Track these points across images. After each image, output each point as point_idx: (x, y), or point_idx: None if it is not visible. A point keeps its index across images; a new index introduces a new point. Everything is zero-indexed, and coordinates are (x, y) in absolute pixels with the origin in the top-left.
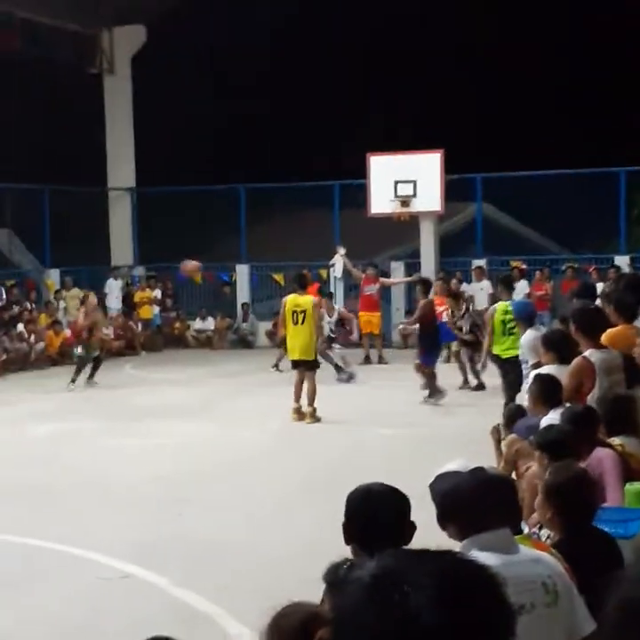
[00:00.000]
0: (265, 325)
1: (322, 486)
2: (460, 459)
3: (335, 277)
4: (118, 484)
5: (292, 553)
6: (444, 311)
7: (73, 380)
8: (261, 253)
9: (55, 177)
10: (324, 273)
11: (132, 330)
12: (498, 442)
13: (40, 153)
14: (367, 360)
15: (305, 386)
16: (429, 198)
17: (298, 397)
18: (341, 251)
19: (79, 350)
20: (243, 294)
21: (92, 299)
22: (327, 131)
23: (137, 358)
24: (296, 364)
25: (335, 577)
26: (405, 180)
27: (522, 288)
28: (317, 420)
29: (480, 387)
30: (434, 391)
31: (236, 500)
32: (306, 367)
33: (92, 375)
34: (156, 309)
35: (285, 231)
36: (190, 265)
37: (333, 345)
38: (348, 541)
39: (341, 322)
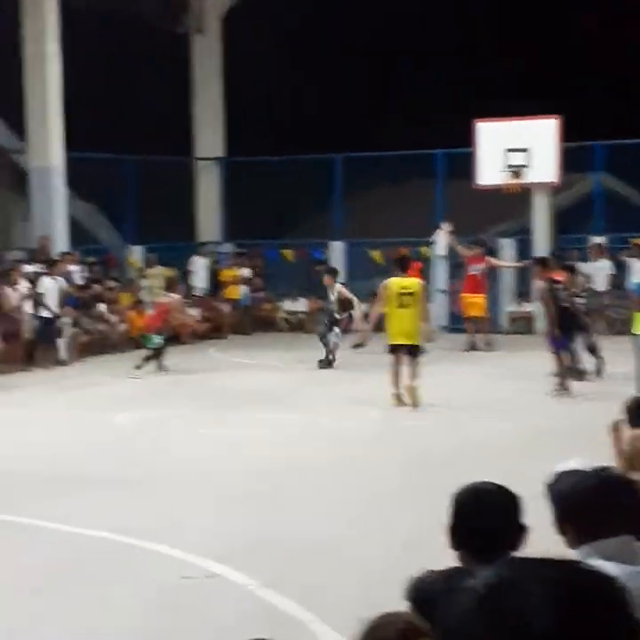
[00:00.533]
0: (362, 307)
1: (424, 482)
2: (580, 457)
3: (437, 255)
4: (207, 476)
5: (391, 555)
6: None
7: (140, 367)
8: (358, 229)
9: (138, 146)
10: (425, 250)
11: (219, 311)
12: (618, 438)
13: (123, 120)
14: (472, 346)
15: (404, 371)
16: (543, 168)
17: (396, 383)
18: (446, 227)
19: (157, 340)
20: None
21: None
22: (431, 95)
23: (223, 342)
24: (395, 349)
25: (417, 594)
26: (517, 149)
27: None
28: (417, 401)
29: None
30: (564, 382)
31: (334, 495)
32: (409, 353)
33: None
34: (245, 289)
35: (384, 205)
36: None
37: (334, 328)
38: (453, 547)
39: (343, 304)
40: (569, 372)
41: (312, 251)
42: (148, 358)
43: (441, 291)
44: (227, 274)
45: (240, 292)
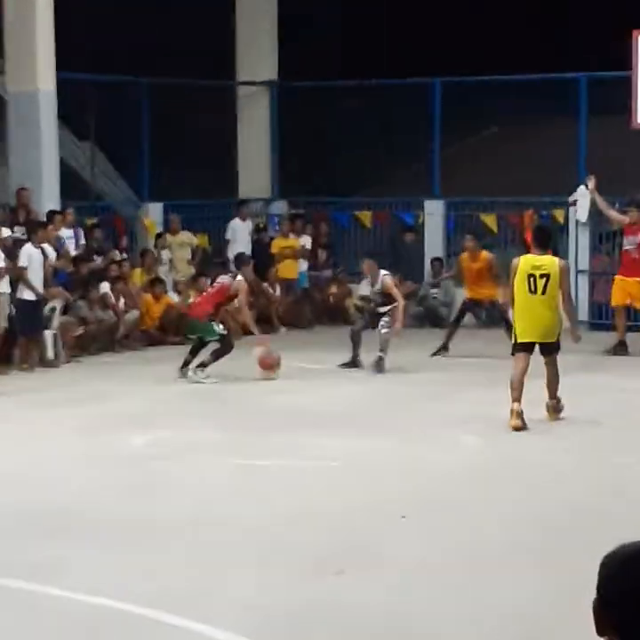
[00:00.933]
0: (462, 293)
1: (543, 538)
2: None
3: (578, 222)
4: (249, 524)
5: (488, 634)
6: None
7: (203, 365)
8: (463, 184)
9: (157, 66)
10: (559, 215)
11: (267, 295)
12: None
13: (136, 30)
14: (621, 347)
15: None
16: None
17: (519, 395)
18: (591, 183)
19: (220, 327)
20: (434, 245)
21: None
22: None
23: (273, 337)
24: (523, 348)
25: None
26: None
27: None
28: (559, 414)
29: None
30: None
31: (416, 551)
32: (545, 352)
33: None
34: (304, 266)
35: (500, 150)
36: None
37: (381, 324)
38: (601, 631)
39: (389, 298)
40: None
41: (399, 213)
42: (216, 354)
43: (584, 272)
44: (279, 244)
45: (297, 269)
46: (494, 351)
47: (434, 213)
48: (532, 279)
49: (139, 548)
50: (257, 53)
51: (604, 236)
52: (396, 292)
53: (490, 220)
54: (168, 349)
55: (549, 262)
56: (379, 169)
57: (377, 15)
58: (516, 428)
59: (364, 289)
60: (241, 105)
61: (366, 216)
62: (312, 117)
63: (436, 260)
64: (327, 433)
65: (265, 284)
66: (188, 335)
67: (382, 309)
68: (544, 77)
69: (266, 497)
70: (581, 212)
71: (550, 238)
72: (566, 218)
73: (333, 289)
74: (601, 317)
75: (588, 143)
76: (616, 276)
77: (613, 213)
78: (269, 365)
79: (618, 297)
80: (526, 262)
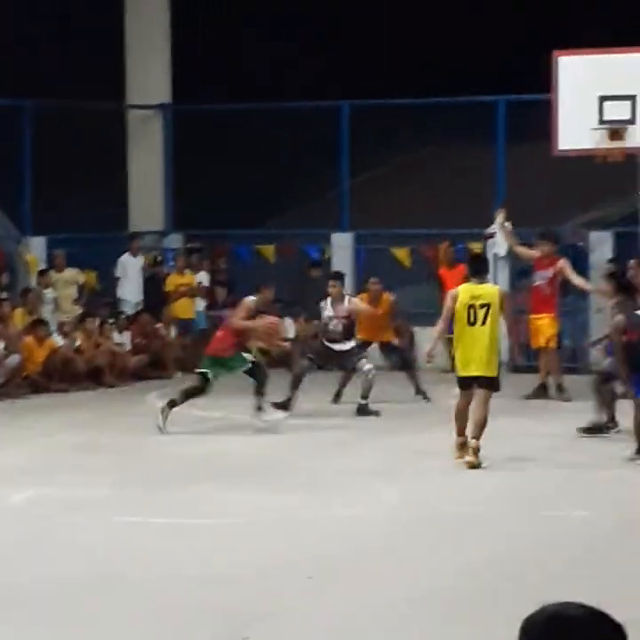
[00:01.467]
0: None
1: (470, 605)
2: None
3: (496, 255)
4: (141, 592)
5: None
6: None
7: (260, 408)
8: (373, 216)
9: (41, 87)
10: (477, 248)
11: (161, 338)
12: None
13: (18, 50)
14: (541, 391)
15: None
16: None
17: (463, 429)
18: (499, 217)
19: (249, 355)
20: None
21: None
22: (484, 16)
23: (168, 383)
24: (467, 383)
25: None
26: (618, 96)
27: None
28: (478, 463)
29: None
30: None
31: (327, 622)
32: (483, 386)
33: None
34: (201, 304)
35: (413, 180)
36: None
37: (364, 365)
38: None
39: (347, 330)
40: None
41: (305, 247)
42: (259, 390)
43: None
44: (174, 281)
45: (194, 308)
46: (399, 396)
47: (342, 247)
48: (471, 310)
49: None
50: (148, 75)
51: (522, 271)
52: (365, 308)
53: (402, 254)
54: (53, 397)
55: (490, 292)
56: (283, 199)
57: (281, 34)
58: (470, 465)
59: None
60: (132, 130)
61: (269, 250)
62: (210, 143)
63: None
64: (230, 487)
65: (159, 325)
66: (210, 374)
67: (343, 347)
68: (460, 101)
69: (162, 558)
70: (500, 245)
71: (487, 265)
72: (484, 251)
73: None
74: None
75: (506, 170)
76: (530, 316)
77: (521, 249)
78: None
79: (535, 338)
80: (465, 292)
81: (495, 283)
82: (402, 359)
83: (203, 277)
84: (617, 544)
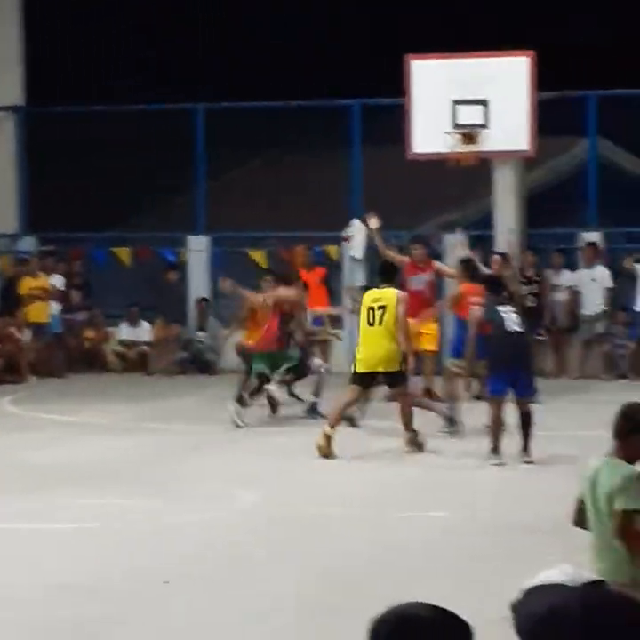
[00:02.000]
0: (234, 335)
1: (323, 608)
2: (565, 564)
3: (352, 257)
4: None
5: None
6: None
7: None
8: (229, 219)
9: None
10: (333, 251)
11: (15, 342)
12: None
13: None
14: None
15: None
16: (510, 130)
17: (335, 422)
18: (374, 222)
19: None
20: (198, 284)
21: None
22: (338, 20)
23: (22, 388)
24: (361, 379)
25: None
26: (471, 101)
27: None
28: (420, 446)
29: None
30: (497, 445)
31: (181, 627)
32: (391, 382)
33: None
34: (56, 308)
35: (269, 183)
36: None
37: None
38: None
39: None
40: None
41: (161, 250)
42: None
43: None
44: (27, 285)
45: (48, 312)
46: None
47: (198, 250)
48: (371, 311)
49: None
50: (0, 77)
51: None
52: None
53: (259, 257)
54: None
55: (388, 295)
56: (139, 202)
57: (138, 36)
58: (321, 452)
59: (126, 332)
60: None
61: (125, 253)
62: (65, 146)
63: (202, 300)
64: (85, 492)
65: (12, 329)
66: (262, 371)
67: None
68: (315, 104)
69: (15, 565)
70: (356, 247)
71: (395, 272)
72: (340, 254)
73: (89, 333)
74: None
75: (362, 174)
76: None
77: (391, 253)
78: None
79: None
80: (368, 296)
81: (353, 284)
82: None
83: (57, 280)
84: (473, 544)
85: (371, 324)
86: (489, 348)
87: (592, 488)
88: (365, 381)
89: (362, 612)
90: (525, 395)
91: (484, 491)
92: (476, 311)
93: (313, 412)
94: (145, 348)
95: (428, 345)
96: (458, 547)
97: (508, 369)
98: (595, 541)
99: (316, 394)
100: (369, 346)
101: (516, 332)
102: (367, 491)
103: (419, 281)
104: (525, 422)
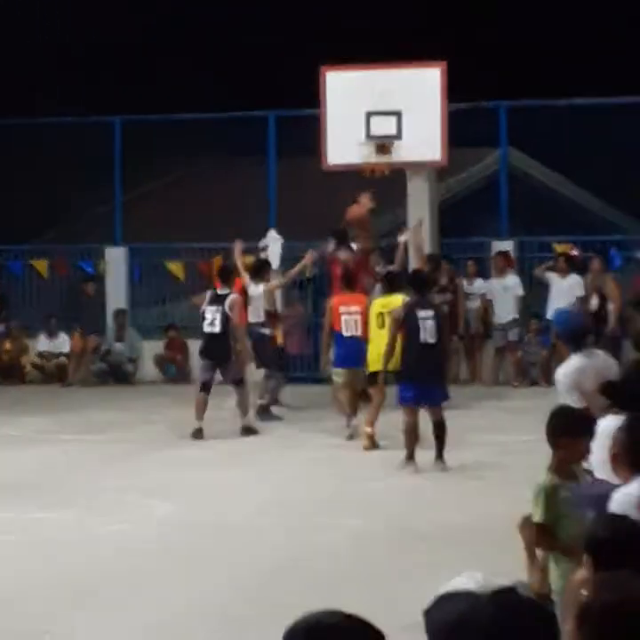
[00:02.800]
0: (152, 346)
1: (238, 620)
2: (474, 571)
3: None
4: None
5: None
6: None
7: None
8: (146, 230)
9: None
10: (248, 261)
11: None
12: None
13: None
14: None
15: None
16: (423, 140)
17: (373, 421)
18: (273, 235)
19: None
20: (116, 296)
21: None
22: (251, 29)
23: None
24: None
25: None
26: (384, 112)
27: (571, 287)
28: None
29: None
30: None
31: (98, 637)
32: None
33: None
34: None
35: (187, 193)
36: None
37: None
38: None
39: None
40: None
41: (79, 261)
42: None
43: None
44: None
45: None
46: (183, 411)
47: (116, 261)
48: (380, 316)
49: None
50: None
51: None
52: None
53: (176, 268)
54: None
55: (396, 301)
56: (57, 213)
57: (54, 46)
58: (368, 449)
59: (44, 343)
60: None
61: (42, 265)
62: None
63: (119, 311)
64: (1, 504)
65: None
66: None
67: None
68: (232, 116)
69: None
70: (273, 257)
71: (401, 281)
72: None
73: (7, 345)
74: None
75: (277, 185)
76: None
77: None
78: None
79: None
80: (378, 303)
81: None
82: None
83: None
84: (384, 551)
85: (380, 328)
86: (401, 357)
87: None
88: (371, 381)
89: (270, 622)
90: (437, 403)
91: (398, 498)
92: (397, 312)
93: (266, 414)
94: (63, 359)
95: None
96: (369, 554)
97: (420, 380)
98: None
99: (265, 397)
100: (378, 347)
101: (429, 344)
102: (282, 499)
103: None
104: (439, 430)
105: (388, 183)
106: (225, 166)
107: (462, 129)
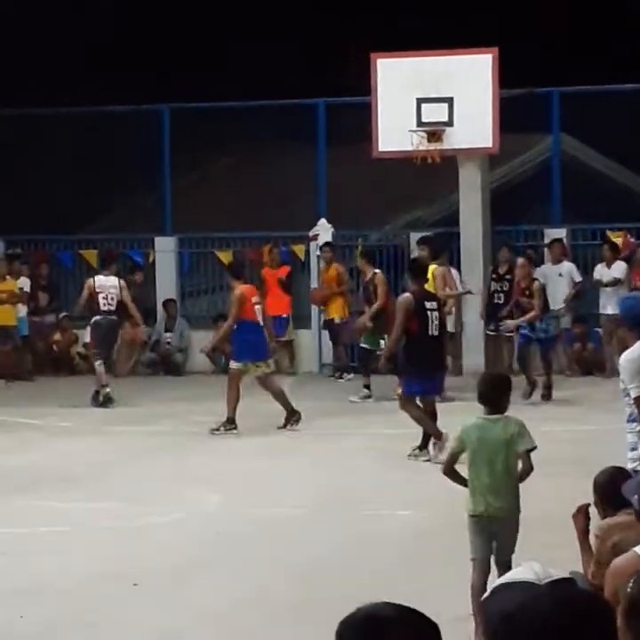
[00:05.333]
0: (202, 337)
1: (293, 609)
2: (533, 562)
3: (318, 257)
4: None
5: None
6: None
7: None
8: (196, 219)
9: None
10: (299, 250)
11: None
12: (585, 532)
13: None
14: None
15: None
16: (474, 127)
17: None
18: (324, 224)
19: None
20: (165, 286)
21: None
22: (302, 18)
23: None
24: None
25: None
26: (436, 99)
27: (619, 272)
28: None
29: None
30: (426, 440)
31: (151, 631)
32: None
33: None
34: (23, 311)
35: (234, 183)
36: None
37: None
38: None
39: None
40: (428, 424)
41: (128, 251)
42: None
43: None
44: None
45: (15, 315)
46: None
47: (165, 251)
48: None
49: None
50: None
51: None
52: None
53: (226, 257)
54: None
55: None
56: (105, 203)
57: (101, 34)
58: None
59: None
60: None
61: (92, 255)
62: (27, 147)
63: (168, 301)
64: (54, 495)
65: None
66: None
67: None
68: (281, 103)
69: None
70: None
71: (425, 270)
72: (307, 253)
73: (57, 336)
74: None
75: (327, 172)
76: None
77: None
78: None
79: None
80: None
81: (319, 284)
82: None
83: (24, 283)
84: (442, 543)
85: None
86: (408, 349)
87: (481, 441)
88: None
89: (327, 613)
90: (434, 394)
91: (448, 488)
92: (407, 299)
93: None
94: None
95: None
96: (421, 545)
97: (428, 372)
98: (488, 484)
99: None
100: None
101: (434, 336)
102: (331, 489)
103: None
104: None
105: (438, 170)
106: (274, 154)
107: (514, 115)
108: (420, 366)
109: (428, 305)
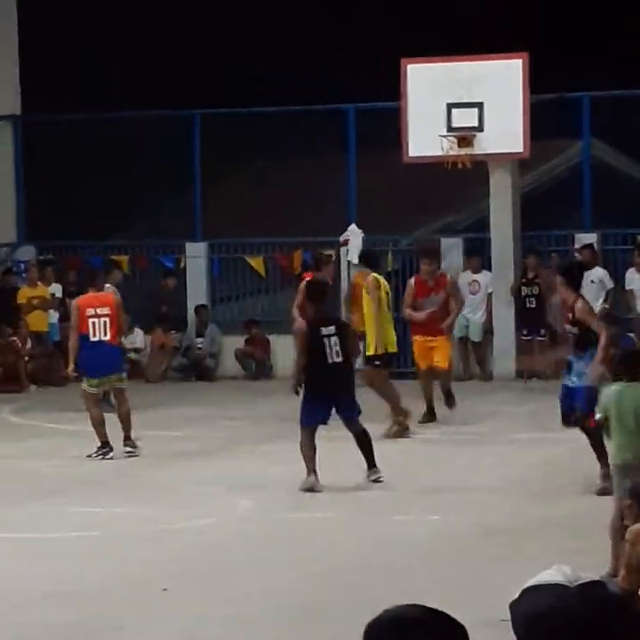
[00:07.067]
0: (233, 342)
1: (324, 612)
2: (563, 565)
3: (350, 263)
4: None
5: None
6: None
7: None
8: (227, 225)
9: None
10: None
11: (15, 351)
12: (620, 533)
13: None
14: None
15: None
16: (505, 132)
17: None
18: (354, 229)
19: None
20: (196, 291)
21: None
22: (333, 23)
23: (22, 397)
24: (390, 360)
25: None
26: (466, 104)
27: None
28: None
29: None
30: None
31: (180, 634)
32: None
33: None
34: (55, 316)
35: (266, 189)
36: None
37: None
38: None
39: None
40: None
41: (159, 257)
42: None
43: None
44: (27, 293)
45: (47, 321)
46: (264, 407)
47: (196, 257)
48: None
49: None
50: None
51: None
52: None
53: (256, 263)
54: None
55: None
56: (137, 209)
57: (132, 45)
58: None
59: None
60: None
61: (123, 261)
62: (61, 154)
63: (200, 307)
64: (85, 500)
65: (13, 338)
66: None
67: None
68: (311, 109)
69: (16, 574)
70: (353, 252)
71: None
72: (337, 258)
73: None
74: None
75: (358, 178)
76: (420, 337)
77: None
78: None
79: (423, 359)
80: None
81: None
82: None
83: (56, 289)
84: (472, 545)
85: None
86: (306, 377)
87: (618, 404)
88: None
89: (355, 616)
90: (352, 416)
91: (477, 493)
92: (300, 324)
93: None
94: (138, 355)
95: (441, 362)
96: (451, 548)
97: (327, 398)
98: (620, 440)
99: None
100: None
101: (335, 363)
102: (362, 493)
103: (432, 302)
104: (362, 441)
105: (468, 176)
106: (304, 159)
107: (545, 120)
108: (314, 394)
109: (324, 331)
